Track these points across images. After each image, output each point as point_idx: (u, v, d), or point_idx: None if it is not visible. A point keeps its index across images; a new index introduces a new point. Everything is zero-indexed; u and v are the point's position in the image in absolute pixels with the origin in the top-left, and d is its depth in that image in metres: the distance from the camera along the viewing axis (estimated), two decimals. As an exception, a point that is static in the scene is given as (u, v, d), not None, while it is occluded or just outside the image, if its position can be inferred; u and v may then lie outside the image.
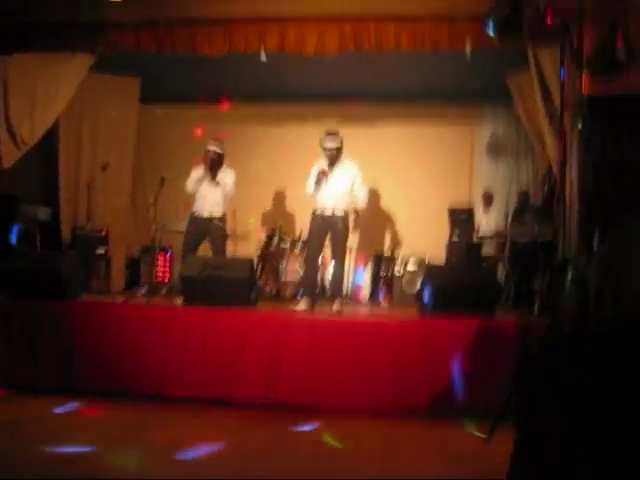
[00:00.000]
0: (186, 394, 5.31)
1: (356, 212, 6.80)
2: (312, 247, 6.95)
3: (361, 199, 6.84)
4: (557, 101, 6.31)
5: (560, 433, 1.09)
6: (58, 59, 7.26)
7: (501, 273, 8.18)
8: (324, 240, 6.93)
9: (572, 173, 6.07)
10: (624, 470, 1.02)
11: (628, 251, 1.23)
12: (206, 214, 7.21)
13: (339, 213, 6.67)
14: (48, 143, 8.68)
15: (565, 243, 6.08)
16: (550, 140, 6.62)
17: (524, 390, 1.17)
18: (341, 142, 6.75)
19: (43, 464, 3.61)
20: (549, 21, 5.65)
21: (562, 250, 6.04)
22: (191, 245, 7.20)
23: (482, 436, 4.20)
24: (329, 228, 6.70)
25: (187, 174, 7.33)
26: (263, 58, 6.90)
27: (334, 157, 6.71)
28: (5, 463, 3.62)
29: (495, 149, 9.84)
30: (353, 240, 9.34)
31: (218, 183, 7.16)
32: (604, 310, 1.22)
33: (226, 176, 7.24)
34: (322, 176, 6.63)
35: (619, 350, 1.14)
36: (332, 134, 6.79)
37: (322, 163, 6.76)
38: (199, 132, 9.14)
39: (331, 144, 6.71)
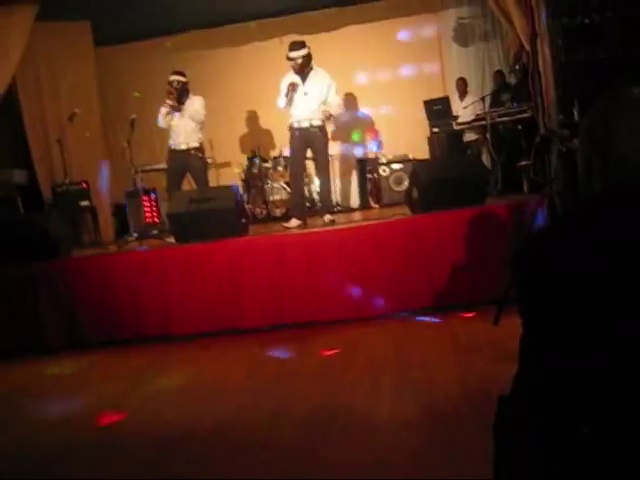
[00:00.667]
0: (193, 330, 5.34)
1: (329, 115, 6.61)
2: (295, 162, 6.87)
3: (335, 107, 6.71)
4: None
5: (567, 315, 1.08)
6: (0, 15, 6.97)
7: (486, 157, 8.15)
8: (305, 153, 6.84)
9: (544, 46, 5.95)
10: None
11: (613, 117, 1.18)
12: (183, 146, 7.11)
13: (316, 123, 6.56)
14: (9, 105, 8.44)
15: (545, 118, 6.03)
16: (518, 15, 6.45)
17: (522, 276, 1.15)
18: (308, 51, 6.55)
19: (58, 426, 3.65)
20: None
21: (543, 125, 6.00)
22: (175, 180, 7.13)
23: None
24: (308, 140, 6.60)
25: (156, 111, 7.18)
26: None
27: (302, 67, 6.53)
28: (21, 429, 3.67)
29: (462, 34, 9.64)
30: (335, 148, 9.31)
31: (186, 112, 7.03)
32: (595, 181, 1.19)
33: (193, 103, 7.11)
34: (292, 88, 6.48)
35: (616, 221, 1.12)
36: (296, 44, 6.61)
37: (292, 75, 6.60)
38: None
39: (296, 54, 6.52)
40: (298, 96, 6.51)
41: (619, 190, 1.17)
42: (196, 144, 7.14)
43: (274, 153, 9.37)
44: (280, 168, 8.83)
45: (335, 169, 9.27)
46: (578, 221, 1.17)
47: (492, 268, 4.81)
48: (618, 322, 1.03)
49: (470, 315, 4.88)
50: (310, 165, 8.09)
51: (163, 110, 7.06)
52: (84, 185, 8.82)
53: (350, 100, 9.87)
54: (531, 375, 1.12)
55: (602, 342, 1.03)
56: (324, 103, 6.58)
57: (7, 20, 7.02)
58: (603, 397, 1.02)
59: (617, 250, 1.06)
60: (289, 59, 6.54)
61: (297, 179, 6.89)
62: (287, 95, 6.48)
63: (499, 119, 7.76)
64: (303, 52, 6.52)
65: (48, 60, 9.02)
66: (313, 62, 6.64)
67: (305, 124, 6.55)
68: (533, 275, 1.12)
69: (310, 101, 6.52)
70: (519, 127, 7.69)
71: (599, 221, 1.13)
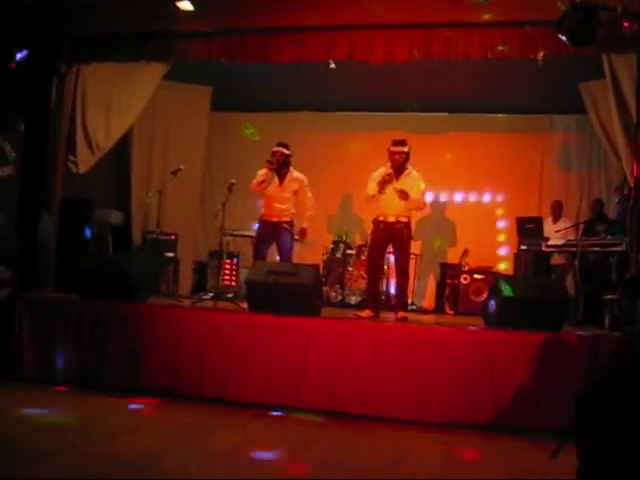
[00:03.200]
0: (248, 399, 5.36)
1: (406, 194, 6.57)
2: (373, 255, 6.95)
3: (417, 201, 6.67)
4: (633, 110, 6.14)
5: (622, 464, 1.06)
6: (133, 68, 7.47)
7: (570, 284, 7.99)
8: (386, 248, 6.89)
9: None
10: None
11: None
12: (275, 218, 7.24)
13: (403, 220, 6.62)
14: (122, 150, 8.95)
15: (638, 256, 5.89)
16: (625, 150, 6.42)
17: (584, 417, 1.14)
18: (408, 149, 6.70)
19: (104, 463, 3.68)
20: (626, 25, 5.49)
21: (635, 264, 5.86)
22: (261, 249, 7.25)
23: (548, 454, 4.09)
24: (391, 235, 6.65)
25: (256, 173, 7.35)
26: (332, 65, 6.92)
27: (400, 162, 6.66)
28: (68, 460, 3.72)
29: (566, 158, 9.65)
30: (418, 247, 9.35)
31: (286, 187, 7.20)
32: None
33: (296, 182, 7.24)
34: (387, 179, 6.58)
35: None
36: (399, 140, 6.78)
37: (387, 169, 6.72)
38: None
39: (398, 148, 6.68)
40: (389, 192, 6.60)
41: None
42: (288, 218, 7.27)
43: (359, 242, 9.46)
44: (363, 257, 8.90)
45: (415, 268, 9.26)
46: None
47: (558, 398, 4.68)
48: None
49: (527, 441, 4.70)
50: (391, 260, 8.11)
51: (260, 175, 7.17)
52: (173, 237, 9.14)
53: (442, 205, 9.98)
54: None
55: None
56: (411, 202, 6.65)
57: (139, 74, 7.54)
58: None
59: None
60: (391, 152, 6.68)
61: (373, 271, 6.95)
62: (380, 183, 6.57)
63: (590, 248, 7.60)
64: (405, 149, 6.69)
65: (166, 115, 9.56)
66: (409, 164, 6.76)
67: (391, 219, 6.62)
68: (595, 419, 1.10)
69: (399, 199, 6.58)
70: (610, 259, 7.52)
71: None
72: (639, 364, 1.18)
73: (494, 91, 8.90)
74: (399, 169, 6.66)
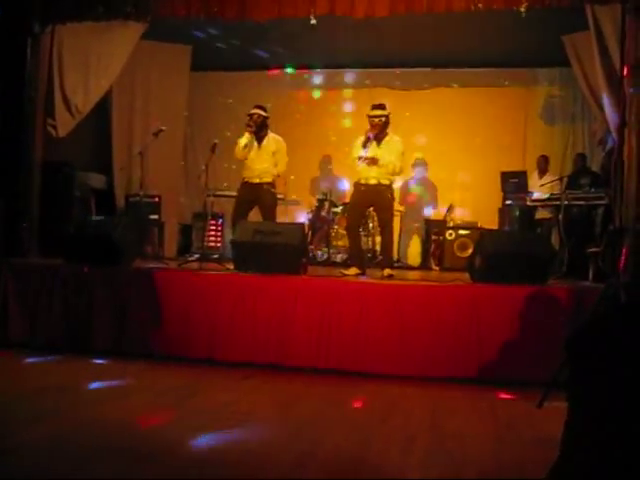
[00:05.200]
0: (236, 359, 5.39)
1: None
2: (352, 215, 7.01)
3: (387, 168, 6.66)
4: (617, 62, 6.11)
5: (614, 405, 1.06)
6: (110, 28, 7.29)
7: (555, 238, 8.03)
8: (366, 209, 6.94)
9: (631, 136, 5.88)
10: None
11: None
12: (256, 180, 7.18)
13: (384, 182, 6.62)
14: (102, 112, 8.82)
15: (622, 209, 5.92)
16: (609, 102, 6.41)
17: (576, 359, 1.14)
18: (388, 114, 6.69)
19: (94, 427, 3.69)
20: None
21: (619, 216, 5.89)
22: (242, 211, 7.19)
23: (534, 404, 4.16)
24: (373, 197, 6.67)
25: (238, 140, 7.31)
26: (313, 21, 6.81)
27: (380, 126, 6.64)
28: (57, 424, 3.71)
29: (550, 112, 9.63)
30: (403, 204, 9.38)
31: (264, 149, 7.13)
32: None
33: (273, 143, 7.17)
34: (369, 139, 6.57)
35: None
36: (378, 104, 6.79)
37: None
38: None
39: (376, 112, 6.69)
40: (371, 149, 6.59)
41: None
42: (269, 179, 7.22)
43: (344, 200, 9.45)
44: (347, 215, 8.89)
45: (400, 225, 9.28)
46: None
47: (543, 350, 4.74)
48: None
49: (513, 393, 4.78)
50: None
51: (241, 142, 7.18)
52: (156, 199, 9.06)
53: (426, 159, 9.96)
54: (574, 461, 1.10)
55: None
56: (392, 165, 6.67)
57: (116, 34, 7.37)
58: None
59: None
60: (370, 117, 6.68)
61: (353, 232, 7.00)
62: (364, 144, 6.57)
63: (575, 202, 7.61)
64: (384, 112, 6.68)
65: (145, 76, 9.42)
66: (390, 128, 6.74)
67: (373, 182, 6.63)
68: (588, 358, 1.11)
69: (380, 164, 6.59)
70: (594, 213, 7.55)
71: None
72: (627, 310, 1.19)
73: (477, 45, 8.82)
74: (379, 134, 6.62)
